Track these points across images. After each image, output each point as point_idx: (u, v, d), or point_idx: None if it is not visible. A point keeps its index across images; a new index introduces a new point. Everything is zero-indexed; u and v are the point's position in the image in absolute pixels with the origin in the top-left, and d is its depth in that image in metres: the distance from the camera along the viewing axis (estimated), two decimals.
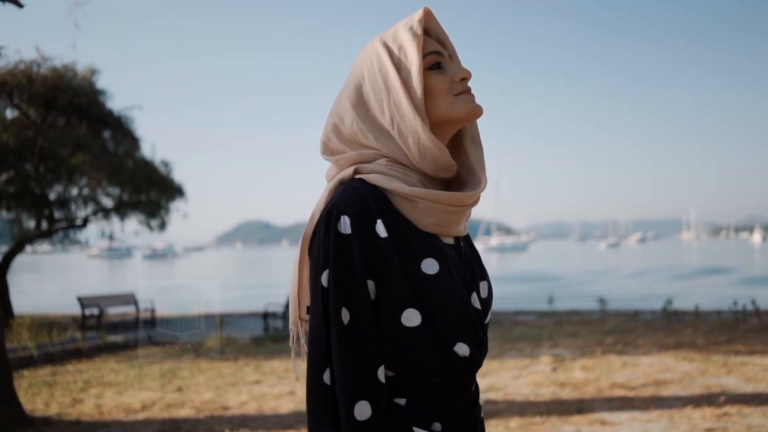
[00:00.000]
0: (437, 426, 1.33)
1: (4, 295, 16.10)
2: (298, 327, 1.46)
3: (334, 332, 1.27)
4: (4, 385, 6.26)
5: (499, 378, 8.07)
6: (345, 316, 1.27)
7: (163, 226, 18.19)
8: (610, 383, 7.46)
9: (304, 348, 1.44)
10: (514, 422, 6.02)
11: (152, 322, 15.22)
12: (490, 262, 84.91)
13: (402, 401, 1.33)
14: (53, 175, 16.17)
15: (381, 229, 1.30)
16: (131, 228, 24.49)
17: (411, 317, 1.29)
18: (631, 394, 6.97)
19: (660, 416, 6.04)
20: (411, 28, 1.39)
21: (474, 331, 1.35)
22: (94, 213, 17.48)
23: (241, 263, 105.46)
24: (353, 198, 1.31)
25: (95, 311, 14.83)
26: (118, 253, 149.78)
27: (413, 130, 1.35)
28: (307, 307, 1.39)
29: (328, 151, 1.46)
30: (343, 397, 1.26)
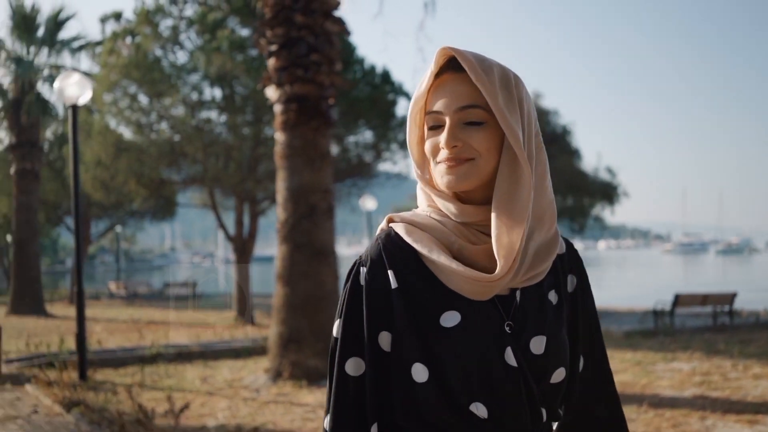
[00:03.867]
0: None
1: None
2: None
3: (334, 382, 1.29)
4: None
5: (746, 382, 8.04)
6: (349, 367, 1.28)
7: (581, 229, 19.70)
8: None
9: None
10: (669, 413, 6.60)
11: None
12: None
13: None
14: None
15: (392, 280, 1.27)
16: None
17: (419, 372, 1.24)
18: None
19: None
20: (427, 75, 1.31)
21: (500, 391, 1.23)
22: None
23: None
24: (373, 248, 1.31)
25: None
26: (692, 248, 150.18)
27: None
28: None
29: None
30: None
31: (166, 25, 17.18)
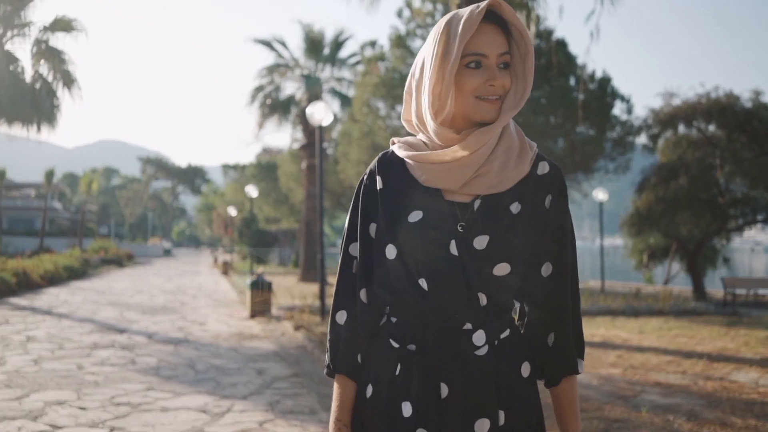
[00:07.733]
0: (412, 347, 1.63)
1: (697, 276, 20.81)
2: None
3: (341, 260, 1.77)
4: None
5: None
6: (353, 249, 1.75)
7: None
8: None
9: None
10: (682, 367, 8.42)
11: None
12: None
13: (394, 320, 1.67)
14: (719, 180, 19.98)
15: (379, 183, 1.70)
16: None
17: (390, 251, 1.64)
18: None
19: None
20: (469, 19, 1.53)
21: (440, 273, 1.59)
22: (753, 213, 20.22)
23: None
24: (373, 162, 1.76)
25: (741, 291, 18.15)
26: None
27: (428, 117, 1.62)
28: None
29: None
30: (332, 307, 1.78)
31: (415, 46, 20.67)
